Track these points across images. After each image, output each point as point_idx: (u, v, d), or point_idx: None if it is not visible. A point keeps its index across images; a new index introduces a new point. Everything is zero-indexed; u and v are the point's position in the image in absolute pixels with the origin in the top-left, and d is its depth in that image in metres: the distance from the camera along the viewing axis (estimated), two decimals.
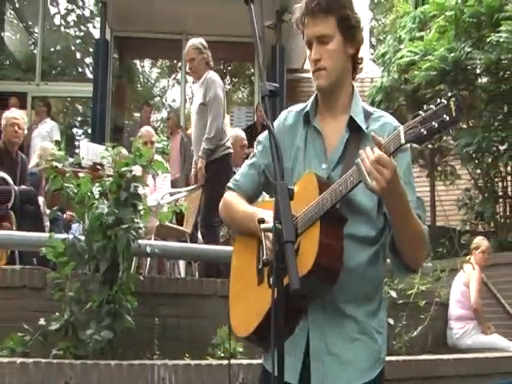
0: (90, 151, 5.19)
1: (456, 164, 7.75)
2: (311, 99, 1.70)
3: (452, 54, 6.23)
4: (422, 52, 6.61)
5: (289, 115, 1.73)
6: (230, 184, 1.77)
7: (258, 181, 1.72)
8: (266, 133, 1.71)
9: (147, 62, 11.29)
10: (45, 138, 7.23)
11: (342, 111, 1.63)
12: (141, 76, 11.38)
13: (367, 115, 1.63)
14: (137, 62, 11.13)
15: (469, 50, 6.22)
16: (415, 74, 6.55)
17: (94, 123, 8.38)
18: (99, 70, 8.34)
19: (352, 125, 1.60)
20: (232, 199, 1.72)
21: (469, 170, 7.11)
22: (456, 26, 6.43)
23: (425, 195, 8.32)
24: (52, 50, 10.18)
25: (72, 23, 10.61)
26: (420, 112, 1.34)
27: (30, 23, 10.41)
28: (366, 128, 1.59)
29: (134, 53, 10.50)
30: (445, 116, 1.30)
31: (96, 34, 9.23)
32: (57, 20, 10.48)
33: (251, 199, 1.73)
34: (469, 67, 6.35)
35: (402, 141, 1.34)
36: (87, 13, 10.59)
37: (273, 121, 1.37)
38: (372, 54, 10.54)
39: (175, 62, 10.30)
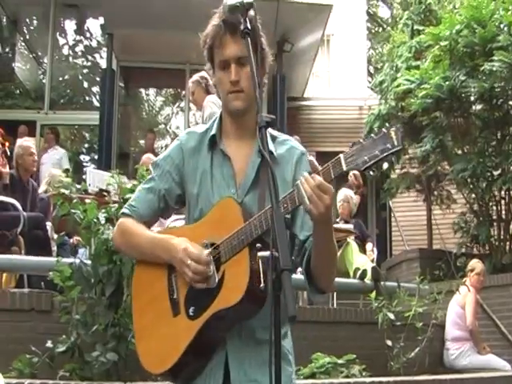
0: (95, 178, 5.30)
1: (452, 189, 7.74)
2: (215, 122, 1.63)
3: (447, 83, 6.29)
4: (418, 80, 6.65)
5: (190, 136, 1.64)
6: (125, 210, 1.63)
7: (158, 206, 1.61)
8: (163, 155, 1.66)
9: (152, 91, 11.36)
10: (55, 165, 7.29)
11: (250, 136, 1.57)
12: (146, 104, 11.46)
13: (273, 139, 1.60)
14: (142, 90, 11.23)
15: (463, 78, 6.28)
16: (412, 101, 6.59)
17: (101, 150, 8.49)
18: (105, 98, 8.49)
19: None
20: (132, 225, 1.59)
21: (464, 194, 7.13)
22: (451, 56, 6.49)
23: (422, 219, 8.47)
24: (60, 79, 10.26)
25: (80, 54, 10.77)
26: (360, 140, 1.34)
27: (39, 54, 10.48)
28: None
29: (139, 82, 10.63)
30: (388, 145, 1.31)
31: (103, 63, 9.37)
32: (65, 50, 10.67)
33: (147, 225, 1.61)
34: (463, 95, 6.39)
35: (344, 168, 1.33)
36: (94, 43, 10.70)
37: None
38: (370, 83, 10.65)
39: (179, 90, 10.39)
